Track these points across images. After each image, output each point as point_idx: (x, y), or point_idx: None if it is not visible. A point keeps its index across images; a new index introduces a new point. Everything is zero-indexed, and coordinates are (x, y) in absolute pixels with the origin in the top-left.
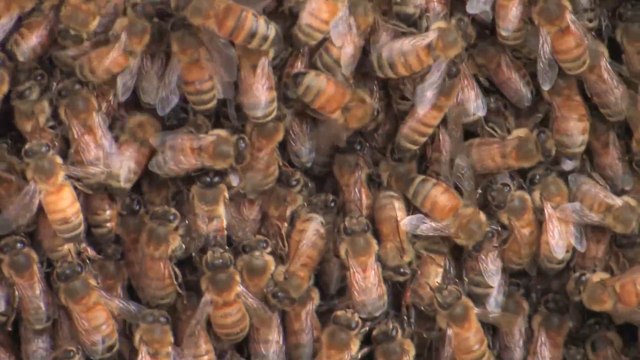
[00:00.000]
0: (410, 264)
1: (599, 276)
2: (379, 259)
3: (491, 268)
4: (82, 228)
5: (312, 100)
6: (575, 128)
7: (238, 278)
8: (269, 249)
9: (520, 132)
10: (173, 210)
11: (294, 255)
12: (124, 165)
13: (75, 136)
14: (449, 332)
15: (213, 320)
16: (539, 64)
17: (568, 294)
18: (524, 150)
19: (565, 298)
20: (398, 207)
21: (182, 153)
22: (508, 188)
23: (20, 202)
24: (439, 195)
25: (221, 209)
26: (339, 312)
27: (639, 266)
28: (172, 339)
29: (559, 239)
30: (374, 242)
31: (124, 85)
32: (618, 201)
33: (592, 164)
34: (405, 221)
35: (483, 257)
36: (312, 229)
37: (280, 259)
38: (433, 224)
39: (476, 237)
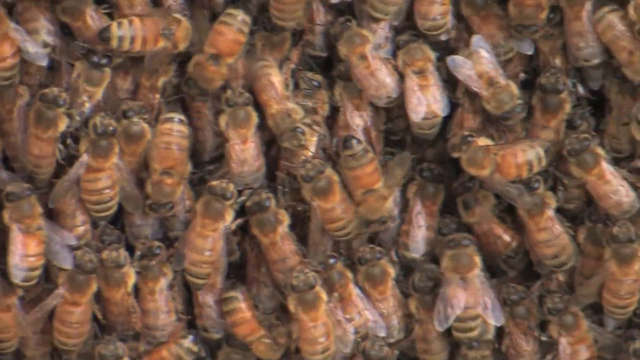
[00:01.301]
0: (303, 119)
1: (484, 141)
2: (266, 129)
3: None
4: None
5: None
6: (436, 11)
7: (117, 150)
8: (147, 116)
9: None
10: (64, 95)
11: (157, 160)
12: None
13: None
14: (314, 204)
15: (83, 186)
16: None
17: (448, 149)
18: None
19: (439, 167)
20: (275, 73)
21: None
22: (348, 24)
23: None
24: (367, 174)
25: (101, 92)
26: (214, 182)
27: (523, 139)
28: (41, 210)
29: (418, 105)
30: (254, 115)
31: None
32: (503, 81)
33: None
34: None
35: (350, 116)
36: (175, 129)
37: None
38: None
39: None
